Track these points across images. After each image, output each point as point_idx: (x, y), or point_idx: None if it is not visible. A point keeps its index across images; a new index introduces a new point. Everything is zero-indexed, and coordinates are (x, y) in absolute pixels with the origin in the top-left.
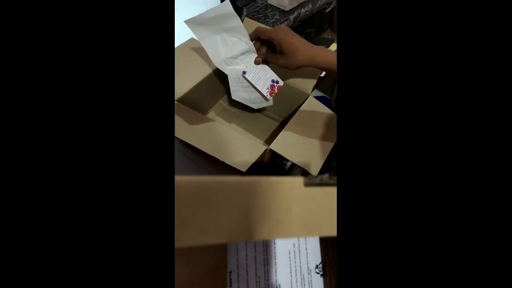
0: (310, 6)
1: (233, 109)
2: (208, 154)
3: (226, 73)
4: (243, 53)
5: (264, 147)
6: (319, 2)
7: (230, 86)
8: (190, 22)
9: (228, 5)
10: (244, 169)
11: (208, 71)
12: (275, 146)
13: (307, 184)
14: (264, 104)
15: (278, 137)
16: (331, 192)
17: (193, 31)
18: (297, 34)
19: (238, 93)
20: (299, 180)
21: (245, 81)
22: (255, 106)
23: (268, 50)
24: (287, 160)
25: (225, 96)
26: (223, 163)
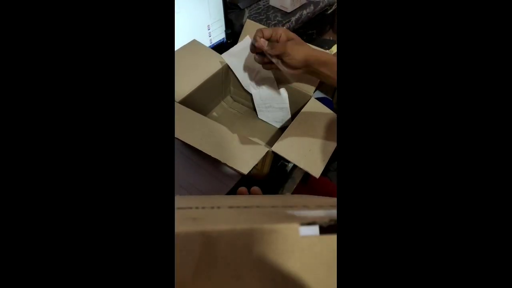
0: (312, 7)
1: (235, 111)
2: (209, 156)
3: (252, 93)
4: (263, 79)
5: (266, 149)
6: (321, 4)
7: (256, 107)
8: (226, 55)
9: (247, 39)
10: (245, 172)
11: (210, 73)
12: (277, 148)
13: (303, 233)
14: (286, 122)
15: (280, 139)
16: (330, 242)
17: (227, 61)
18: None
19: (263, 113)
20: (294, 227)
21: (267, 101)
22: (278, 125)
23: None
24: (288, 162)
25: (227, 97)
26: (225, 165)
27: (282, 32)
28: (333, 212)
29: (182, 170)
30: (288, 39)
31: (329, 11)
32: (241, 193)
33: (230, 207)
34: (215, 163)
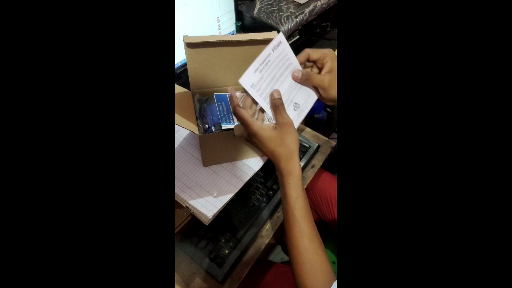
0: None
1: None
2: None
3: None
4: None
5: None
6: None
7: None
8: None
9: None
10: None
11: None
12: None
13: None
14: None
15: None
16: None
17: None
18: None
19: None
20: None
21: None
22: None
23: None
24: None
25: None
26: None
27: (330, 60)
28: None
29: (187, 168)
30: (331, 71)
31: None
32: None
33: None
34: (222, 164)
